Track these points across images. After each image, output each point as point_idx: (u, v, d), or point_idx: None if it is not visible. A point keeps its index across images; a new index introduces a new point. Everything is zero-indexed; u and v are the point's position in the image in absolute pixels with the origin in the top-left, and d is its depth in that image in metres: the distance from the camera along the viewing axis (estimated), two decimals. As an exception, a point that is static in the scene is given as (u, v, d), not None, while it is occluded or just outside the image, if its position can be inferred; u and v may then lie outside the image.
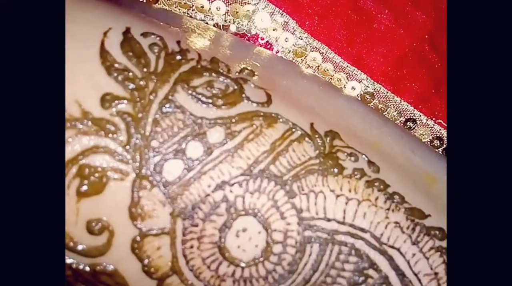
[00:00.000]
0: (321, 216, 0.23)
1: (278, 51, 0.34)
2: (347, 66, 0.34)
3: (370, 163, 0.25)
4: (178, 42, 0.24)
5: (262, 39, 0.34)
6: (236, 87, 0.24)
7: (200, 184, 0.22)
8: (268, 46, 0.34)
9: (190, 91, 0.23)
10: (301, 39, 0.33)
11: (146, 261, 0.22)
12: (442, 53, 0.34)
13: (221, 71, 0.24)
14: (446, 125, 0.34)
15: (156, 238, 0.22)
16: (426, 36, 0.34)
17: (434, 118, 0.34)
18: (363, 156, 0.25)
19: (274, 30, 0.33)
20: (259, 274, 0.23)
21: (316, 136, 0.24)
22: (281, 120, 0.24)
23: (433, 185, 0.26)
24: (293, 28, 0.33)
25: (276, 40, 0.33)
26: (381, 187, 0.24)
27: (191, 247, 0.23)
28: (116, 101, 0.22)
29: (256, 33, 0.33)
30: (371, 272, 0.23)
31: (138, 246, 0.22)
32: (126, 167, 0.22)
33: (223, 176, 0.23)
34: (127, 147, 0.22)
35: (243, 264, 0.23)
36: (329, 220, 0.23)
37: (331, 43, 0.34)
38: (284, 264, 0.23)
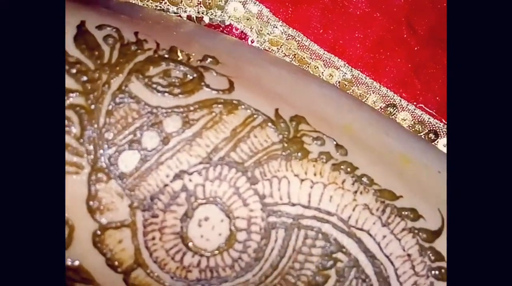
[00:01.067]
0: (285, 201, 0.22)
1: (254, 41, 0.33)
2: (324, 53, 0.32)
3: (338, 146, 0.23)
4: (136, 33, 0.24)
5: (237, 29, 0.32)
6: (195, 75, 0.23)
7: (158, 174, 0.21)
8: (243, 37, 0.32)
9: (145, 81, 0.22)
10: (276, 27, 0.32)
11: (109, 255, 0.21)
12: (420, 35, 0.32)
13: (180, 60, 0.23)
14: (427, 109, 0.33)
15: (117, 231, 0.21)
16: (403, 19, 0.32)
17: (415, 103, 0.32)
18: (331, 140, 0.23)
19: (247, 19, 0.32)
20: (225, 263, 0.22)
21: (280, 121, 0.23)
22: (242, 106, 0.23)
23: (408, 166, 0.24)
24: (267, 17, 0.32)
25: (251, 30, 0.32)
26: (348, 169, 0.23)
27: (153, 238, 0.22)
28: (69, 95, 0.21)
29: (230, 23, 0.32)
30: (340, 255, 0.22)
31: (99, 240, 0.21)
32: (81, 160, 0.21)
33: (181, 165, 0.22)
34: (81, 140, 0.21)
35: (207, 254, 0.22)
36: (293, 204, 0.22)
37: (306, 31, 0.32)
38: (249, 251, 0.22)
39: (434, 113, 0.32)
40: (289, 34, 0.32)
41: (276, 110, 0.23)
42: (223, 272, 0.22)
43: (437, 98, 0.32)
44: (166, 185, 0.21)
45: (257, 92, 0.24)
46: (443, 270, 0.22)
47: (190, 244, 0.22)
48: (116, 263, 0.22)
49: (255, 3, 0.32)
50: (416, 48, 0.32)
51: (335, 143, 0.23)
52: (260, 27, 0.32)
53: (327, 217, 0.22)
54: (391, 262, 0.22)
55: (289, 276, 0.22)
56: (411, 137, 0.27)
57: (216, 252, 0.22)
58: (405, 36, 0.32)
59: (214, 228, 0.22)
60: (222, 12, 0.32)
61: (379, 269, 0.22)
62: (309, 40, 0.32)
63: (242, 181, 0.22)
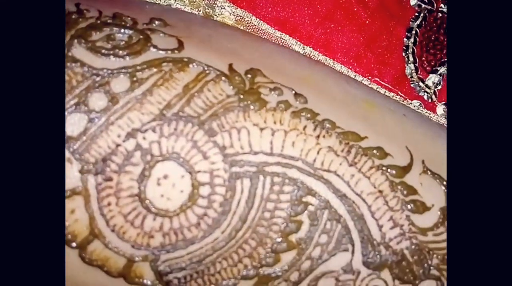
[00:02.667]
0: (246, 151, 0.21)
1: (203, 24, 0.32)
2: (274, 32, 0.32)
3: (296, 95, 0.22)
4: (78, 4, 0.23)
5: (184, 13, 0.32)
6: (141, 37, 0.22)
7: (109, 135, 0.20)
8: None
9: (88, 45, 0.21)
10: (224, 8, 0.32)
11: (61, 228, 0.19)
12: (371, 8, 0.32)
13: (124, 24, 0.22)
14: (382, 83, 0.32)
15: (69, 200, 0.19)
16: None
17: (369, 77, 0.31)
18: (289, 89, 0.22)
19: (194, 2, 0.31)
20: (190, 222, 0.20)
21: (235, 75, 0.22)
22: (193, 64, 0.22)
23: (372, 110, 0.24)
24: (214, -2, 0.32)
25: (198, 12, 0.32)
26: (309, 115, 0.22)
27: (109, 204, 0.20)
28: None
29: (177, 7, 0.32)
30: (309, 199, 0.21)
31: (49, 212, 0.19)
32: (22, 125, 0.19)
33: (133, 123, 0.20)
34: (22, 105, 0.19)
35: (170, 214, 0.20)
36: (256, 153, 0.21)
37: (255, 10, 0.32)
38: (215, 206, 0.20)
39: (389, 86, 0.32)
40: (237, 14, 0.31)
41: (230, 65, 0.22)
42: (188, 232, 0.20)
43: (392, 71, 0.32)
44: (118, 145, 0.20)
45: (208, 50, 0.23)
46: (417, 203, 0.21)
47: (150, 206, 0.20)
48: (70, 236, 0.19)
49: (201, -15, 0.32)
50: (367, 21, 0.31)
51: (293, 92, 0.22)
52: (208, 8, 0.32)
53: (292, 162, 0.21)
54: (363, 200, 0.21)
55: (260, 228, 0.20)
56: (372, 88, 0.27)
57: (179, 211, 0.20)
58: (355, 9, 0.32)
59: (174, 185, 0.20)
60: (166, -5, 0.31)
61: (352, 208, 0.21)
62: (258, 19, 0.32)
63: (199, 134, 0.21)
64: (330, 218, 0.21)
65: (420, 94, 0.31)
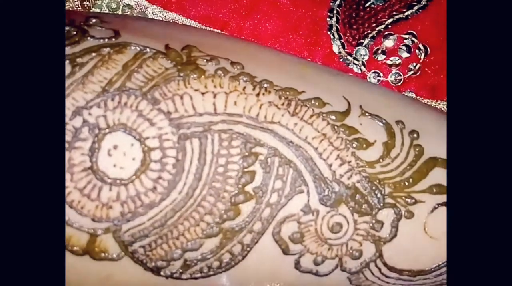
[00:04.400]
0: (191, 113, 0.21)
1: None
2: (206, 29, 0.33)
3: (233, 63, 0.23)
4: None
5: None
6: (78, 30, 0.23)
7: (54, 115, 0.20)
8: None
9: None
10: (155, 14, 0.33)
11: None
12: None
13: None
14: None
15: (20, 182, 0.19)
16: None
17: (301, 58, 0.33)
18: (225, 59, 0.23)
19: (126, 13, 0.33)
20: (146, 187, 0.20)
21: (171, 51, 0.23)
22: (131, 46, 0.22)
23: (307, 70, 0.25)
24: (145, 6, 0.33)
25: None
26: (247, 78, 0.23)
27: (63, 181, 0.20)
28: None
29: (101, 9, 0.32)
30: (258, 149, 0.21)
31: (1, 198, 0.19)
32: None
33: (77, 102, 0.20)
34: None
35: (125, 182, 0.20)
36: (201, 114, 0.21)
37: (185, 11, 0.32)
38: (168, 168, 0.20)
39: (321, 65, 0.33)
40: (170, 18, 0.33)
41: (166, 45, 0.23)
42: (146, 198, 0.20)
43: (321, 50, 0.33)
44: (66, 124, 0.20)
45: (144, 35, 0.23)
46: (360, 140, 0.22)
47: (104, 177, 0.20)
48: (27, 219, 0.19)
49: (130, -4, 0.33)
50: (291, 8, 0.33)
51: (230, 61, 0.23)
52: (141, 16, 0.33)
53: (237, 119, 0.21)
54: (309, 144, 0.22)
55: (215, 183, 0.21)
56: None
57: (134, 178, 0.20)
58: (277, -3, 0.34)
59: (125, 154, 0.20)
60: (100, 10, 0.32)
61: (300, 152, 0.21)
62: (189, 19, 0.33)
63: (143, 104, 0.21)
64: (281, 163, 0.21)
65: (350, 67, 0.33)
